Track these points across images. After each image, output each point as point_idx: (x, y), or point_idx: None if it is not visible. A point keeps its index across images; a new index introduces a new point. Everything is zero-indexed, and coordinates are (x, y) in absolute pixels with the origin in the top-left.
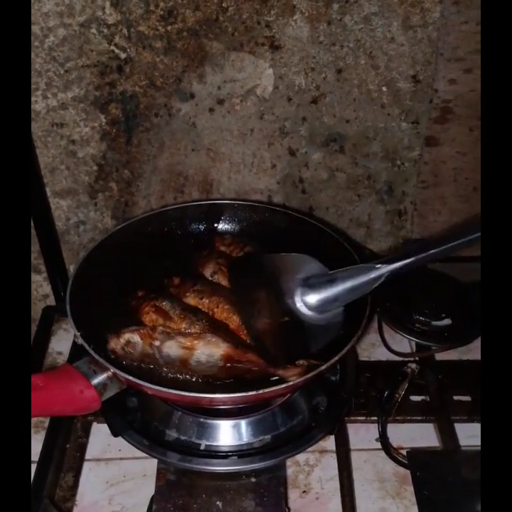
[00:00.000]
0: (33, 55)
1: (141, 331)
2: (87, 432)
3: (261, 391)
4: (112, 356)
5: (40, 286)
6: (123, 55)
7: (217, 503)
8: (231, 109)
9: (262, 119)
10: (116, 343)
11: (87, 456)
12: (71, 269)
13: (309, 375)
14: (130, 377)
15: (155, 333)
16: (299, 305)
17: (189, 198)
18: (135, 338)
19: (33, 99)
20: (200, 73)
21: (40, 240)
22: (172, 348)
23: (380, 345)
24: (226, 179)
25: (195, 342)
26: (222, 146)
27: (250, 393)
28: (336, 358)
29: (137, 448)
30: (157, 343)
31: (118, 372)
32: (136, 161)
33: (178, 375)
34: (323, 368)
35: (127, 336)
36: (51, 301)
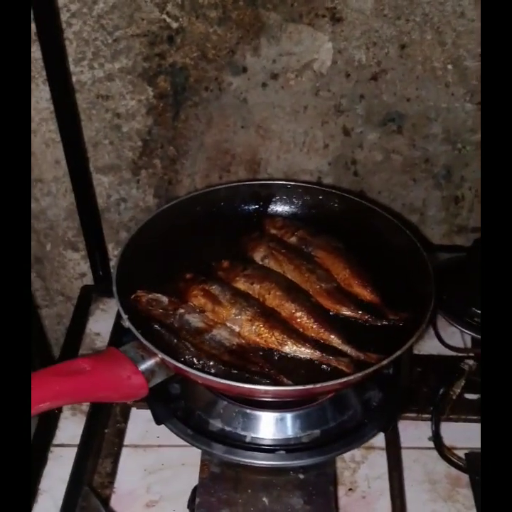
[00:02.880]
0: (80, 22)
1: (173, 299)
2: (125, 417)
3: (319, 385)
4: (133, 303)
5: (78, 265)
6: (175, 25)
7: (264, 499)
8: (285, 85)
9: (317, 95)
10: (144, 295)
11: (125, 442)
12: (110, 248)
13: (370, 370)
14: (179, 365)
15: (186, 305)
16: None
17: (235, 177)
18: (164, 299)
19: (78, 69)
20: (254, 45)
21: (80, 216)
22: (194, 319)
23: (432, 339)
24: (275, 158)
25: (219, 325)
26: (273, 123)
27: (308, 387)
28: (399, 352)
29: (180, 437)
30: (182, 310)
31: (166, 358)
32: (183, 138)
33: (182, 344)
34: (385, 362)
35: (158, 295)
36: (88, 280)
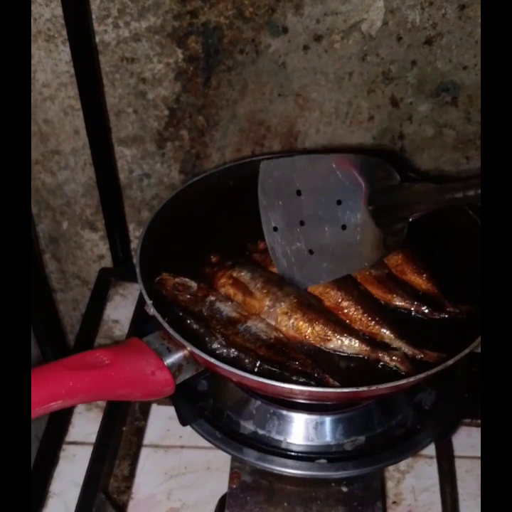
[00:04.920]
0: None
1: (202, 285)
2: (145, 414)
3: (374, 387)
4: (157, 287)
5: (96, 246)
6: None
7: None
8: (329, 48)
9: (364, 60)
10: (169, 279)
11: (145, 441)
12: (131, 228)
13: (434, 371)
14: (212, 360)
15: (217, 292)
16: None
17: (269, 152)
18: (192, 283)
19: (102, 28)
20: (297, 3)
21: (100, 193)
22: (227, 307)
23: None
24: (314, 131)
25: (254, 316)
26: (313, 91)
27: (361, 389)
28: (468, 350)
29: (208, 441)
30: (212, 298)
31: (197, 352)
32: (213, 106)
33: (213, 336)
34: (450, 362)
35: (186, 279)
36: (107, 263)
